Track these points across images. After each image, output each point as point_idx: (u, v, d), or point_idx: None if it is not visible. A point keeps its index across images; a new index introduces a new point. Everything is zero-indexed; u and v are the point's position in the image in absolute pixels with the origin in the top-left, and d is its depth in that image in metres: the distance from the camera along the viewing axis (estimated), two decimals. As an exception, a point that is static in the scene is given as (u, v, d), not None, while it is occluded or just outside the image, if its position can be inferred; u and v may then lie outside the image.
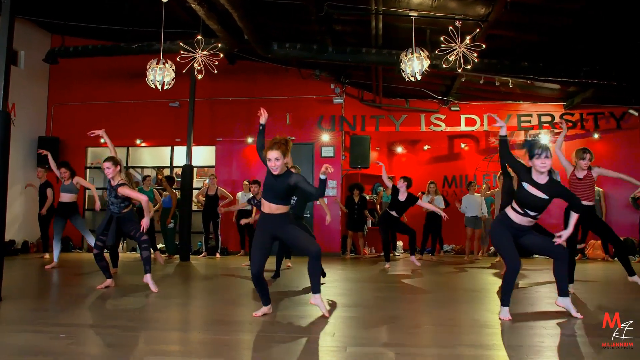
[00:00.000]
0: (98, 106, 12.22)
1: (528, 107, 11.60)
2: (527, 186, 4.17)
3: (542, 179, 4.13)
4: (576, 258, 10.44)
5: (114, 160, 6.12)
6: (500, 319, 4.19)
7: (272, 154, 4.26)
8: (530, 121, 11.34)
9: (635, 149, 10.99)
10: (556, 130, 11.41)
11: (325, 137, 11.60)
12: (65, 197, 8.56)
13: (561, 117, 11.26)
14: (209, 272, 8.20)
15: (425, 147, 12.75)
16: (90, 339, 3.70)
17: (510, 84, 9.90)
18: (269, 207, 4.33)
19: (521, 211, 4.22)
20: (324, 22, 8.68)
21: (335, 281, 6.96)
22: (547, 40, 8.19)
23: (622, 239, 10.57)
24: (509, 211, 4.33)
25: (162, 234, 10.86)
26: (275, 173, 4.25)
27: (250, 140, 11.74)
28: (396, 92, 11.94)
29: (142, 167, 12.87)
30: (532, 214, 4.19)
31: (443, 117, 11.63)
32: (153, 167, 12.77)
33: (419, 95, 11.96)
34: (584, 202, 5.48)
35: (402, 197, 8.38)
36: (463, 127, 11.61)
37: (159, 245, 11.33)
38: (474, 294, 5.88)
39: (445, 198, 10.96)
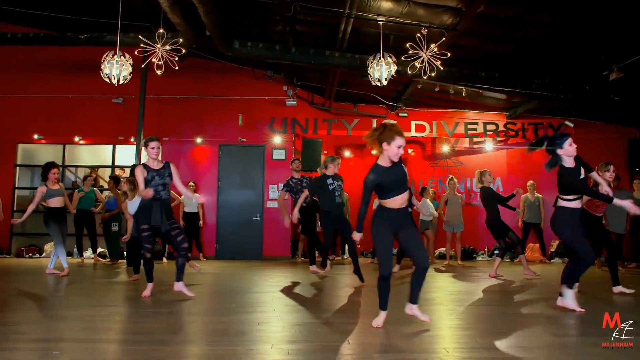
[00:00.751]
0: (32, 99, 11.35)
1: (474, 116, 12.04)
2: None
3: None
4: (516, 260, 11.05)
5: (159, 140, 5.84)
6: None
7: (401, 141, 4.00)
8: (476, 129, 11.79)
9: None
10: (499, 139, 11.95)
11: (277, 139, 11.44)
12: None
13: (504, 125, 11.80)
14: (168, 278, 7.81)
15: (373, 152, 12.88)
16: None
17: (463, 92, 10.22)
18: (401, 200, 4.06)
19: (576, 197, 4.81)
20: (288, 23, 8.56)
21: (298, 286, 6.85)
22: (510, 50, 8.51)
23: (557, 242, 11.33)
24: (569, 204, 4.82)
25: (104, 237, 10.26)
26: (395, 160, 4.03)
27: (199, 140, 11.35)
28: (345, 97, 11.99)
29: (81, 166, 12.05)
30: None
31: (394, 122, 11.80)
32: (93, 167, 12.03)
33: (367, 100, 12.07)
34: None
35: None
36: (413, 133, 11.87)
37: (100, 249, 10.69)
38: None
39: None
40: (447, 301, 5.63)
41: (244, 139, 11.44)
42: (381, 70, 7.83)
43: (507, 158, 12.09)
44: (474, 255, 11.85)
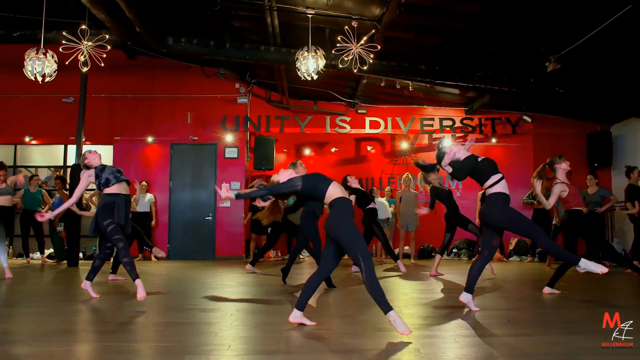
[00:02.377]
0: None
1: (431, 112, 11.84)
2: None
3: None
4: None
5: None
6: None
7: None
8: (432, 125, 11.58)
9: (528, 153, 11.48)
10: (457, 135, 11.72)
11: (229, 137, 11.28)
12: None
13: (461, 121, 11.58)
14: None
15: (333, 150, 12.71)
16: None
17: (410, 87, 10.03)
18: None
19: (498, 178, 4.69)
20: (220, 17, 8.41)
21: (238, 285, 6.68)
22: (444, 43, 8.32)
23: (516, 239, 11.07)
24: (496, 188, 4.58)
25: (50, 238, 10.16)
26: None
27: (150, 139, 11.23)
28: (304, 94, 11.83)
29: (33, 167, 11.96)
30: None
31: (348, 119, 11.64)
32: (47, 167, 11.95)
33: (327, 98, 11.92)
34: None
35: None
36: (368, 130, 11.68)
37: (49, 251, 10.59)
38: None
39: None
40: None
41: (195, 138, 11.29)
42: (308, 64, 7.65)
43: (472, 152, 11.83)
44: (433, 254, 11.60)
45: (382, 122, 11.55)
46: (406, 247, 10.74)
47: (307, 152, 12.89)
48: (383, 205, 10.66)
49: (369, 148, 12.54)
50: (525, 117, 11.30)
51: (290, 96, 11.68)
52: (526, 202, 10.67)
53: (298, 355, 3.17)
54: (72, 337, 3.74)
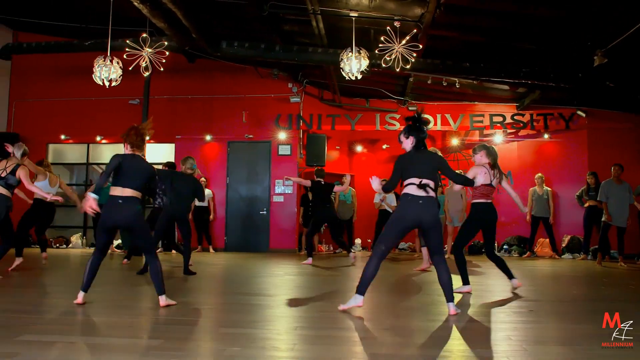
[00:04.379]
0: (58, 103, 12.33)
1: (482, 108, 11.82)
2: None
3: None
4: (525, 256, 10.75)
5: None
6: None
7: None
8: (482, 121, 11.56)
9: (583, 149, 11.24)
10: (509, 131, 11.66)
11: (282, 135, 11.75)
12: None
13: (512, 117, 11.49)
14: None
15: (384, 146, 12.93)
16: None
17: (457, 84, 10.10)
18: None
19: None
20: (269, 22, 8.85)
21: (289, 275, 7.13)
22: (487, 40, 8.39)
23: (569, 237, 10.90)
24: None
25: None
26: None
27: (208, 137, 11.89)
28: (355, 92, 12.11)
29: (103, 164, 12.94)
30: None
31: (398, 116, 11.82)
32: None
33: (378, 95, 12.14)
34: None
35: None
36: (417, 127, 11.78)
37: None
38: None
39: (399, 195, 11.13)
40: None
41: (250, 136, 11.84)
42: (351, 64, 7.95)
43: (517, 150, 11.77)
44: (483, 250, 11.55)
45: (431, 118, 11.65)
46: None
47: (358, 148, 13.19)
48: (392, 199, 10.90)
49: (419, 145, 12.64)
50: (579, 112, 11.07)
51: (342, 94, 12.00)
52: (585, 199, 10.27)
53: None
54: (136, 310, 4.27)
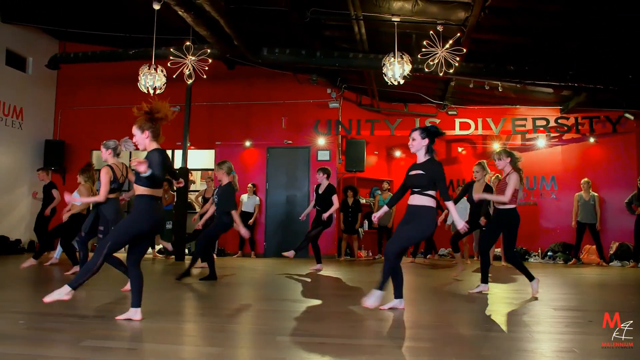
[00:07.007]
0: (103, 110, 12.60)
1: (525, 112, 11.60)
2: None
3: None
4: (570, 263, 10.46)
5: None
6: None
7: None
8: (524, 125, 11.34)
9: (632, 153, 10.91)
10: (552, 135, 11.40)
11: (321, 140, 11.76)
12: None
13: (556, 120, 11.24)
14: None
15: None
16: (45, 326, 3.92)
17: (499, 87, 9.94)
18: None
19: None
20: (310, 28, 8.87)
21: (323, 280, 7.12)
22: (532, 42, 8.24)
23: (617, 243, 10.57)
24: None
25: (159, 235, 11.14)
26: None
27: (248, 143, 11.98)
28: (394, 97, 12.04)
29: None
30: None
31: (437, 121, 11.68)
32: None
33: (417, 100, 12.04)
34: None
35: (320, 189, 8.63)
36: (457, 131, 11.66)
37: (159, 247, 11.62)
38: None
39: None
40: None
41: (289, 141, 11.89)
42: (394, 69, 7.90)
43: (561, 155, 11.50)
44: (527, 256, 11.33)
45: (472, 123, 11.49)
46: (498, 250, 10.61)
47: (397, 153, 13.09)
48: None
49: (459, 149, 12.51)
50: (627, 115, 10.73)
51: (380, 99, 11.95)
52: (636, 205, 9.91)
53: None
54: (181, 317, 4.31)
